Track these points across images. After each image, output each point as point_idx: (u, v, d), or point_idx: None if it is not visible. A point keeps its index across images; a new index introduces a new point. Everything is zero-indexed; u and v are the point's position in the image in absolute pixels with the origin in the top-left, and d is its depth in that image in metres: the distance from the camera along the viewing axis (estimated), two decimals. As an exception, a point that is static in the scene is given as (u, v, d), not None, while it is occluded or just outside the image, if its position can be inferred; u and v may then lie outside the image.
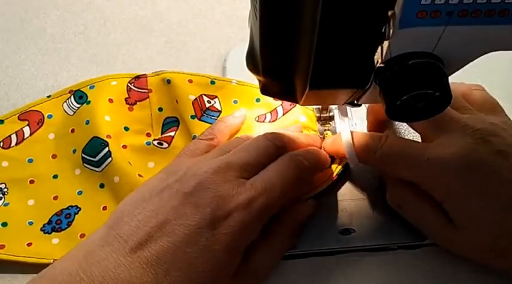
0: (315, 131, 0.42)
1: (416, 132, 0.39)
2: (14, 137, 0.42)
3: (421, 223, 0.36)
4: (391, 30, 0.24)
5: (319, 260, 0.37)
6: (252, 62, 0.31)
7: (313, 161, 0.36)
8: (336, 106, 0.41)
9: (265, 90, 0.33)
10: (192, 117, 0.42)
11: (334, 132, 0.42)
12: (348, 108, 0.39)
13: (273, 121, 0.43)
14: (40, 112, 0.43)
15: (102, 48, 0.50)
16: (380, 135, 0.36)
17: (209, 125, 0.42)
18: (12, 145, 0.42)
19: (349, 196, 0.40)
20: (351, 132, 0.37)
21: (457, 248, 0.36)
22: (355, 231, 0.38)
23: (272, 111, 0.43)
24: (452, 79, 0.28)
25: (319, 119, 0.43)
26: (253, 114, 0.43)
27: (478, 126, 0.34)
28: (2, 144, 0.42)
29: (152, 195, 0.33)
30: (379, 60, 0.27)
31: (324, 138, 0.42)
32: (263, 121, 0.43)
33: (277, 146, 0.36)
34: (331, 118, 0.42)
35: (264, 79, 0.31)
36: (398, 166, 0.35)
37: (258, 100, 0.44)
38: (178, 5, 0.54)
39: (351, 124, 0.43)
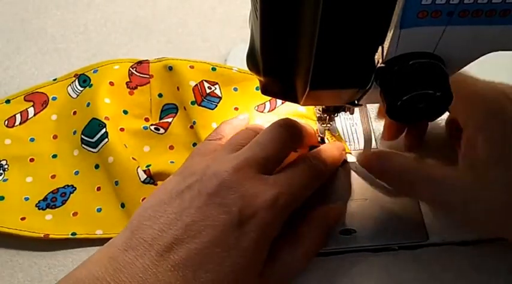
0: (314, 120, 0.42)
1: None
2: (18, 117, 0.43)
3: None
4: (392, 30, 0.24)
5: (320, 260, 0.37)
6: (253, 62, 0.31)
7: (330, 165, 0.37)
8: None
9: (265, 90, 0.33)
10: (193, 103, 0.43)
11: (334, 132, 0.42)
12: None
13: (272, 110, 0.44)
14: (45, 94, 0.44)
15: (102, 48, 0.50)
16: None
17: (209, 110, 0.43)
18: (16, 124, 0.43)
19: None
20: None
21: None
22: (356, 231, 0.38)
23: (271, 99, 0.44)
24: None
25: (319, 119, 0.43)
26: (253, 104, 0.44)
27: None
28: (6, 122, 0.43)
29: (172, 198, 0.32)
30: (380, 60, 0.26)
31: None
32: (262, 111, 0.43)
33: (292, 133, 0.36)
34: (332, 118, 0.42)
35: (264, 79, 0.31)
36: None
37: (257, 88, 0.44)
38: (178, 5, 0.54)
39: (351, 124, 0.43)
